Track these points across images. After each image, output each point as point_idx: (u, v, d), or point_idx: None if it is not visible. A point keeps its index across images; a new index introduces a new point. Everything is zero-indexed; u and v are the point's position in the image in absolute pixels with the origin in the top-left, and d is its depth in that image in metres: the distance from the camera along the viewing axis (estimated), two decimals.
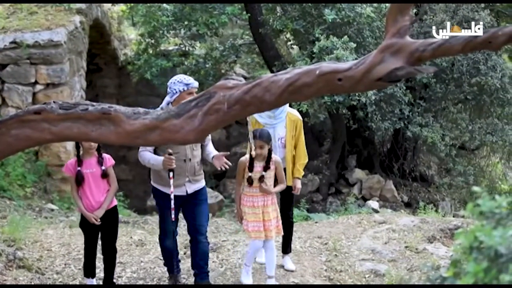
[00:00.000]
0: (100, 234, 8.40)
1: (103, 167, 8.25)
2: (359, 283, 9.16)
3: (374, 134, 17.14)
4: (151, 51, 19.02)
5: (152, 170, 8.22)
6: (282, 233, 8.61)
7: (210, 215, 15.57)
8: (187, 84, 7.83)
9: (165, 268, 9.50)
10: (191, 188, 8.15)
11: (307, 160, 9.12)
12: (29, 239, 10.23)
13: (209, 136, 8.27)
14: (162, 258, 8.92)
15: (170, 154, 7.70)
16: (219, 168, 8.12)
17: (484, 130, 15.89)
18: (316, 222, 12.18)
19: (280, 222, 8.51)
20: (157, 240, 9.81)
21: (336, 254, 9.97)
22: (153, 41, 18.77)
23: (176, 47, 20.07)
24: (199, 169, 8.23)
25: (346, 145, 17.39)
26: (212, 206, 17.02)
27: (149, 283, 9.00)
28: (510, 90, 15.01)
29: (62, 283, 8.72)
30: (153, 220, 14.85)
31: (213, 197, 17.68)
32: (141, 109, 7.34)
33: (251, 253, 8.64)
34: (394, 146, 17.78)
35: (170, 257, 8.47)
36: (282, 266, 9.34)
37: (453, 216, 13.07)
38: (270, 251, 8.53)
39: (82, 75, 16.84)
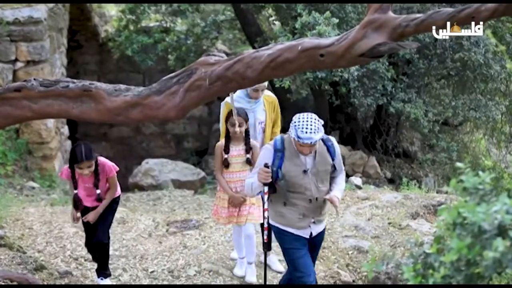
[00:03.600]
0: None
1: (98, 191, 7.84)
2: (342, 260, 9.16)
3: (357, 110, 17.09)
4: (132, 28, 18.90)
5: (269, 205, 7.01)
6: (261, 221, 8.05)
7: (192, 192, 15.56)
8: (298, 137, 6.49)
9: (147, 246, 9.47)
10: (315, 229, 6.94)
11: None
12: (10, 217, 10.17)
13: (342, 166, 7.01)
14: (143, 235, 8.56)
15: (266, 165, 6.60)
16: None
17: (468, 106, 15.85)
18: None
19: (259, 209, 8.06)
20: (139, 217, 9.68)
21: None
22: (134, 17, 18.64)
23: (157, 23, 19.93)
24: (325, 206, 6.94)
25: (329, 121, 17.34)
26: (194, 183, 16.97)
27: (131, 261, 8.96)
28: (493, 65, 14.94)
29: (44, 262, 8.66)
30: (135, 197, 14.81)
31: (195, 174, 17.63)
32: (122, 86, 7.27)
33: (236, 240, 8.50)
34: (377, 122, 17.73)
35: None
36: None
37: (437, 192, 13.09)
38: (247, 237, 8.36)
39: (62, 52, 16.74)
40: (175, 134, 21.85)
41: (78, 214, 7.94)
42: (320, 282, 8.61)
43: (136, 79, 20.93)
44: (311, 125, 6.41)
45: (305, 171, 6.69)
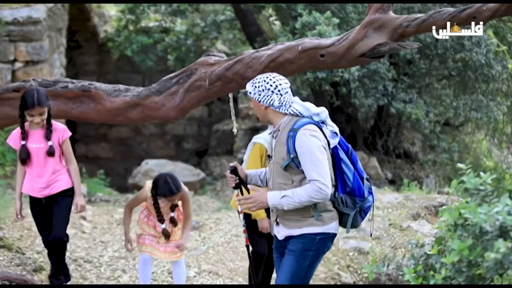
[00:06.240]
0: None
1: (49, 143, 7.06)
2: (343, 261, 9.12)
3: (358, 110, 17.05)
4: (131, 28, 18.87)
5: None
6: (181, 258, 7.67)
7: (192, 193, 15.49)
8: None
9: None
10: (281, 232, 5.76)
11: None
12: (9, 218, 10.12)
13: (310, 173, 5.44)
14: None
15: (231, 169, 5.94)
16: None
17: (469, 107, 15.81)
18: None
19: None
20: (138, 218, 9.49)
21: None
22: (133, 17, 18.61)
23: (157, 23, 19.90)
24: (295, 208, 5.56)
25: None
26: (194, 184, 16.94)
27: (130, 262, 8.92)
28: (495, 66, 14.89)
29: (43, 263, 8.61)
30: None
31: (194, 175, 17.62)
32: (121, 86, 7.27)
33: (141, 270, 7.74)
34: (378, 122, 17.69)
35: None
36: None
37: (438, 193, 13.04)
38: (177, 267, 7.69)
39: (61, 52, 16.69)
40: (175, 134, 21.81)
41: (23, 212, 7.28)
42: (320, 283, 8.58)
43: (135, 79, 20.87)
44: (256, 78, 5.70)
45: (269, 156, 5.80)
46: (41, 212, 7.28)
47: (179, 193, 7.19)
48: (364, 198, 5.75)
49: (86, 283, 8.35)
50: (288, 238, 5.69)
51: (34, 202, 7.28)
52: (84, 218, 10.79)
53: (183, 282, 7.67)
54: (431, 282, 4.22)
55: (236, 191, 6.00)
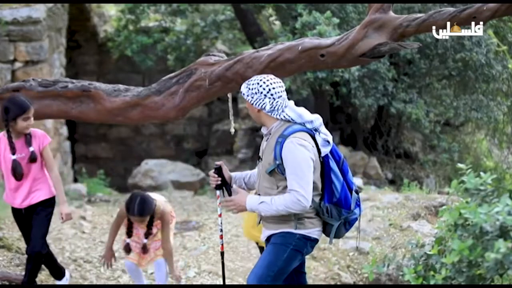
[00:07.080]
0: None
1: (31, 148, 6.88)
2: (343, 261, 9.11)
3: (358, 110, 17.04)
4: (131, 28, 18.83)
5: None
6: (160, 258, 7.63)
7: (192, 193, 15.46)
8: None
9: None
10: (263, 234, 5.84)
11: None
12: (9, 218, 10.10)
13: (292, 182, 5.40)
14: None
15: (215, 169, 5.92)
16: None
17: (469, 106, 15.82)
18: None
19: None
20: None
21: None
22: (133, 17, 18.58)
23: (157, 23, 19.87)
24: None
25: (329, 121, 17.29)
26: (194, 184, 16.92)
27: None
28: (495, 65, 14.89)
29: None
30: None
31: (194, 175, 17.60)
32: (121, 86, 7.26)
33: (131, 276, 7.89)
34: (378, 122, 17.69)
35: None
36: None
37: (438, 193, 13.03)
38: (157, 269, 7.69)
39: (61, 52, 16.67)
40: (174, 134, 21.79)
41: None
42: (320, 283, 8.57)
43: (135, 79, 20.83)
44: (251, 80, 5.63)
45: (259, 158, 5.76)
46: (22, 221, 7.20)
47: (142, 217, 7.19)
48: (350, 211, 5.75)
49: (86, 283, 8.34)
50: (269, 238, 5.69)
51: (15, 212, 7.21)
52: (84, 218, 10.80)
53: (163, 280, 7.64)
54: (431, 282, 4.22)
55: (218, 192, 5.95)
